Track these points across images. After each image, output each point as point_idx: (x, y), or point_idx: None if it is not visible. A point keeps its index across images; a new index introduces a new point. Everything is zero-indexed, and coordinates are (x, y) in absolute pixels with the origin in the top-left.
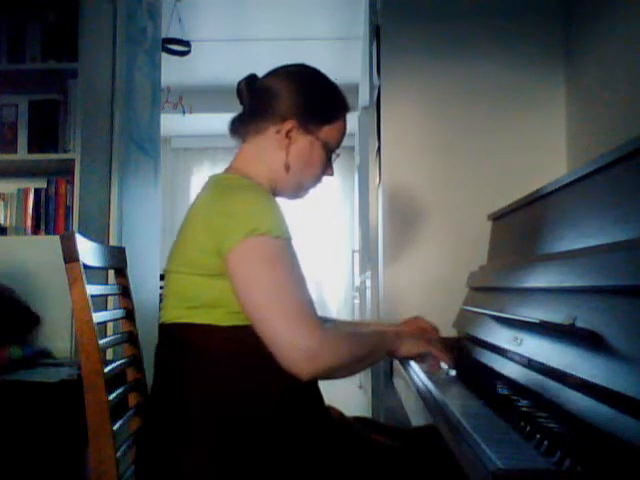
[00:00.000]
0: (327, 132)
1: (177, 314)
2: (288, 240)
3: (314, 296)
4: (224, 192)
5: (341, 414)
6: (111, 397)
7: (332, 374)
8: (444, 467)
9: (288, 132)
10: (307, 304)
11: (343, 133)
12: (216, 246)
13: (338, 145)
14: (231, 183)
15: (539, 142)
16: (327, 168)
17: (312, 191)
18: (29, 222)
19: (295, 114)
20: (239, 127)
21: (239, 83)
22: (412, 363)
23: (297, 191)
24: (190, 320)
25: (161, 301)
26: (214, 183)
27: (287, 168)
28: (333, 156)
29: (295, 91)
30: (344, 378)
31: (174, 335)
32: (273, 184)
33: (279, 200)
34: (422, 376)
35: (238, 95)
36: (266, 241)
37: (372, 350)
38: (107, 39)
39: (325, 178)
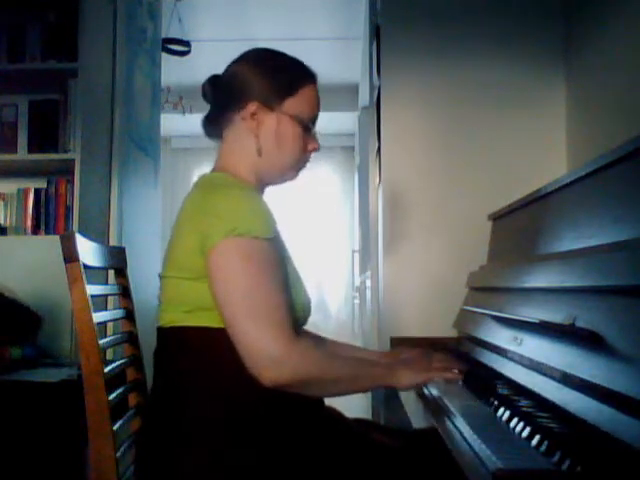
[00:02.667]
0: (292, 104)
1: (174, 318)
2: (270, 240)
3: (314, 296)
4: (208, 192)
5: (341, 415)
6: (111, 397)
7: (297, 386)
8: (444, 467)
9: (253, 115)
10: (280, 309)
11: (314, 103)
12: (199, 246)
13: (313, 117)
14: (216, 182)
15: (539, 142)
16: (309, 142)
17: (302, 172)
18: (29, 222)
19: (255, 95)
20: (210, 127)
21: (203, 85)
22: None
23: (282, 173)
24: (187, 323)
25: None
26: (200, 183)
27: (259, 152)
28: (312, 129)
29: (250, 72)
30: (316, 396)
31: (172, 338)
32: (257, 174)
33: (276, 197)
34: None
35: (203, 96)
36: (244, 241)
37: (355, 376)
38: (107, 39)
39: (318, 164)
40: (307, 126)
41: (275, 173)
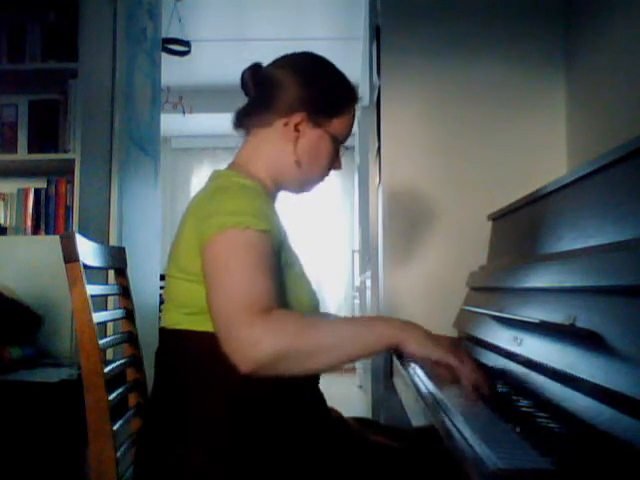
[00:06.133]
0: (336, 125)
1: (176, 320)
2: (263, 232)
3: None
4: (213, 193)
5: (340, 415)
6: (111, 397)
7: (279, 364)
8: (444, 467)
9: (297, 125)
10: (256, 292)
11: (352, 125)
12: (198, 246)
13: (346, 138)
14: (223, 183)
15: (539, 142)
16: (335, 162)
17: (318, 186)
18: (29, 222)
19: (304, 106)
20: (243, 119)
21: (243, 73)
22: (413, 364)
23: (303, 185)
24: (189, 327)
25: (162, 302)
26: (210, 182)
27: (299, 164)
28: (341, 149)
29: (303, 82)
30: (311, 370)
31: (174, 341)
32: (277, 178)
33: (281, 197)
34: (422, 376)
35: (242, 86)
36: (234, 232)
37: (352, 336)
38: (107, 39)
39: (331, 172)
40: (339, 148)
41: (297, 184)
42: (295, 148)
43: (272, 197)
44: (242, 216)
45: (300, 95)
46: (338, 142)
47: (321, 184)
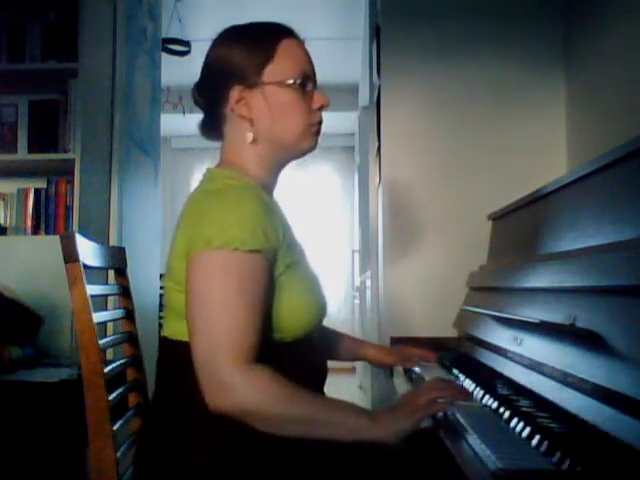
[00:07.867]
0: (273, 70)
1: (176, 329)
2: (254, 252)
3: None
4: (204, 194)
5: None
6: (111, 397)
7: (242, 418)
8: (444, 468)
9: (239, 101)
10: (240, 330)
11: (299, 58)
12: (185, 254)
13: (304, 73)
14: (216, 186)
15: (539, 142)
16: (312, 101)
17: (315, 138)
18: (29, 222)
19: (233, 79)
20: (208, 131)
21: (192, 91)
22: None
23: (295, 145)
24: (187, 339)
25: (161, 305)
26: (203, 185)
27: (255, 139)
28: (308, 85)
29: (219, 58)
30: (266, 432)
31: (174, 351)
32: (266, 162)
33: (281, 198)
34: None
35: (195, 104)
36: (220, 254)
37: (323, 422)
38: (107, 39)
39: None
40: (302, 84)
41: (286, 149)
42: (252, 122)
43: (269, 190)
44: (232, 232)
45: (221, 72)
46: (293, 83)
47: (320, 128)
